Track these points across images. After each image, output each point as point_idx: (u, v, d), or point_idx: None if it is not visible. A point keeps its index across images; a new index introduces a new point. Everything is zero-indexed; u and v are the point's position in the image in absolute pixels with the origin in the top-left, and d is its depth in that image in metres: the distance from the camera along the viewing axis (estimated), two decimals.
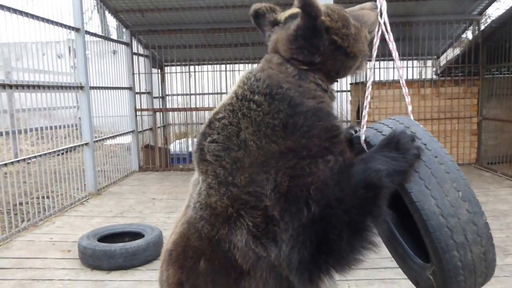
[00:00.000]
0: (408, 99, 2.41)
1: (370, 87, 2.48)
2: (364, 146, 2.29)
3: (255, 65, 2.40)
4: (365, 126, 2.36)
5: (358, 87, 11.47)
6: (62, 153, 8.60)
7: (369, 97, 2.48)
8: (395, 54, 2.39)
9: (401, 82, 2.44)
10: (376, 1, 2.41)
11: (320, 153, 1.99)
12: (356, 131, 2.49)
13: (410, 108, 2.42)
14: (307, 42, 2.18)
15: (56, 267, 5.47)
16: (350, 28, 2.24)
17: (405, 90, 2.43)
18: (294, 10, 2.25)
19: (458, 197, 2.03)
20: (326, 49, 2.20)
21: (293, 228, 1.93)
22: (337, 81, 2.45)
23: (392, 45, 2.39)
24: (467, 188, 2.06)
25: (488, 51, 11.36)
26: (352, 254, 1.97)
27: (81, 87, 8.81)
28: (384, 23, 2.40)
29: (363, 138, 2.31)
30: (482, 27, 11.68)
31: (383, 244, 2.46)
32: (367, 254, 1.99)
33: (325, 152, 2.00)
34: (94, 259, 5.37)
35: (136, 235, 5.90)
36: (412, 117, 2.35)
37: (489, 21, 12.58)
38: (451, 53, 12.90)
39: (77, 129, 9.25)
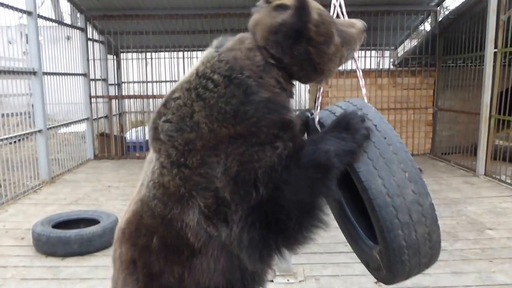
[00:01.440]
0: (364, 91, 2.50)
1: None
2: (318, 127, 2.36)
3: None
4: (319, 108, 2.42)
5: None
6: (15, 142, 8.63)
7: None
8: None
9: (358, 74, 2.53)
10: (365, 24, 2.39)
11: (269, 139, 2.04)
12: (312, 114, 2.52)
13: (364, 90, 2.50)
14: (285, 41, 2.17)
15: (9, 254, 5.61)
16: (330, 46, 2.23)
17: (361, 81, 2.50)
18: (289, 1, 2.21)
19: (405, 178, 2.11)
20: (298, 56, 2.20)
21: (242, 209, 2.01)
22: (293, 89, 2.41)
23: None
24: (414, 169, 2.14)
25: (445, 42, 11.84)
26: (301, 232, 2.05)
27: (34, 73, 8.85)
28: (340, 5, 2.46)
29: (317, 119, 2.38)
30: (440, 19, 12.14)
31: (335, 226, 2.58)
32: (317, 233, 2.08)
33: (273, 138, 2.05)
34: (48, 246, 5.52)
35: (92, 222, 6.06)
36: (366, 100, 2.44)
37: (446, 12, 13.04)
38: (409, 44, 13.35)
39: (29, 117, 9.25)
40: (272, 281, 4.67)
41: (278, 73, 2.21)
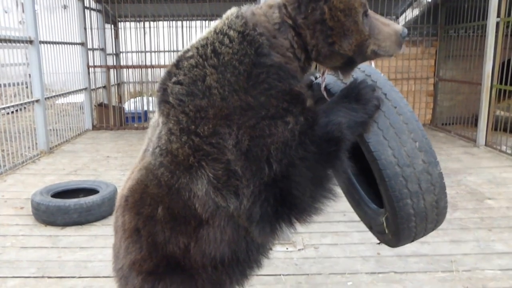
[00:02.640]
0: None
1: None
2: (324, 93, 2.34)
3: (212, 22, 2.40)
4: (325, 73, 2.36)
5: None
6: (12, 112, 8.58)
7: None
8: None
9: None
10: (406, 30, 2.21)
11: (279, 114, 2.02)
12: (316, 78, 2.50)
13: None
14: None
15: (9, 224, 5.63)
16: (348, 18, 2.11)
17: None
18: None
19: (415, 148, 2.14)
20: (312, 16, 2.11)
21: (254, 185, 2.00)
22: (310, 65, 2.31)
23: None
24: (424, 138, 2.17)
25: (447, 11, 11.71)
26: (313, 204, 2.09)
27: (31, 41, 8.74)
28: None
29: (323, 85, 2.34)
30: None
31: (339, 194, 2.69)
32: (327, 203, 2.12)
33: (283, 113, 2.02)
34: (48, 215, 5.53)
35: (91, 191, 6.08)
36: (373, 65, 2.43)
37: None
38: (410, 14, 13.20)
39: (27, 87, 9.17)
40: (271, 249, 4.68)
41: (294, 36, 2.16)
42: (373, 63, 2.43)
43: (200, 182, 2.07)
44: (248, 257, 2.28)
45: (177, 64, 2.17)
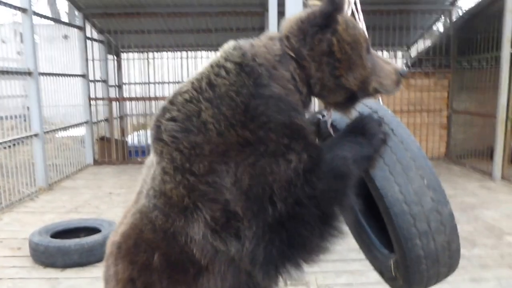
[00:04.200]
0: None
1: None
2: (331, 130, 2.35)
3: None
4: (332, 110, 2.37)
5: None
6: (9, 146, 8.49)
7: None
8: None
9: None
10: (405, 69, 2.31)
11: (280, 151, 1.97)
12: (323, 115, 2.49)
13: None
14: (310, 28, 2.13)
15: (5, 266, 5.47)
16: (354, 52, 2.16)
17: None
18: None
19: (423, 185, 2.11)
20: (319, 48, 2.13)
21: (257, 226, 1.94)
22: (310, 100, 2.31)
23: (362, 25, 2.42)
24: (433, 176, 2.14)
25: (459, 42, 11.75)
26: (321, 243, 2.04)
27: (29, 73, 8.67)
28: (355, 2, 2.49)
29: (329, 122, 2.36)
30: (454, 18, 12.05)
31: (350, 234, 2.58)
32: (335, 242, 2.06)
33: (285, 150, 1.97)
34: (47, 256, 5.39)
35: (93, 231, 5.93)
36: (381, 102, 2.42)
37: (460, 12, 13.01)
38: (422, 45, 13.28)
39: (25, 120, 9.09)
40: None
41: (296, 69, 2.15)
42: (380, 100, 2.47)
43: (196, 225, 1.99)
44: None
45: (172, 100, 2.12)
